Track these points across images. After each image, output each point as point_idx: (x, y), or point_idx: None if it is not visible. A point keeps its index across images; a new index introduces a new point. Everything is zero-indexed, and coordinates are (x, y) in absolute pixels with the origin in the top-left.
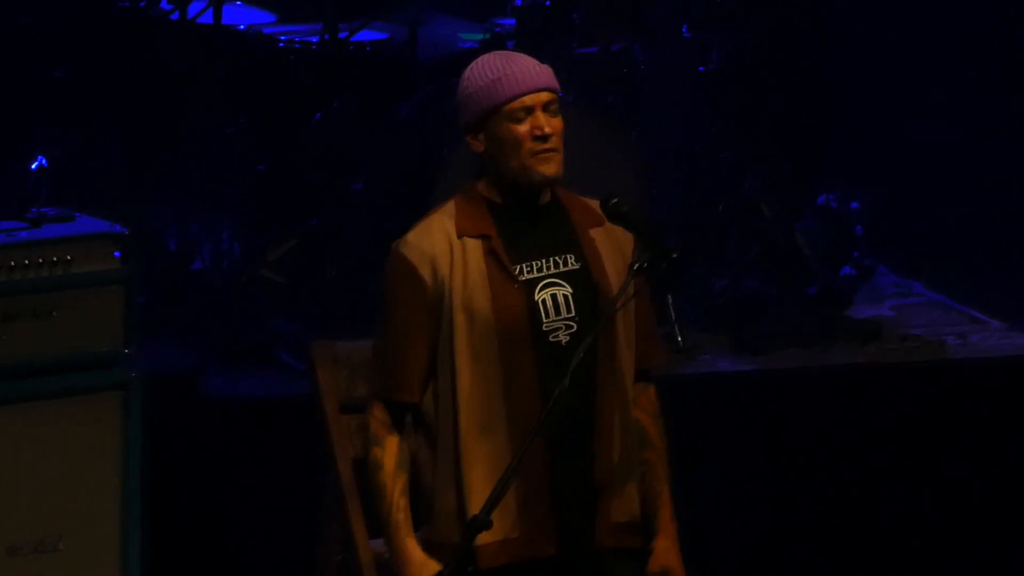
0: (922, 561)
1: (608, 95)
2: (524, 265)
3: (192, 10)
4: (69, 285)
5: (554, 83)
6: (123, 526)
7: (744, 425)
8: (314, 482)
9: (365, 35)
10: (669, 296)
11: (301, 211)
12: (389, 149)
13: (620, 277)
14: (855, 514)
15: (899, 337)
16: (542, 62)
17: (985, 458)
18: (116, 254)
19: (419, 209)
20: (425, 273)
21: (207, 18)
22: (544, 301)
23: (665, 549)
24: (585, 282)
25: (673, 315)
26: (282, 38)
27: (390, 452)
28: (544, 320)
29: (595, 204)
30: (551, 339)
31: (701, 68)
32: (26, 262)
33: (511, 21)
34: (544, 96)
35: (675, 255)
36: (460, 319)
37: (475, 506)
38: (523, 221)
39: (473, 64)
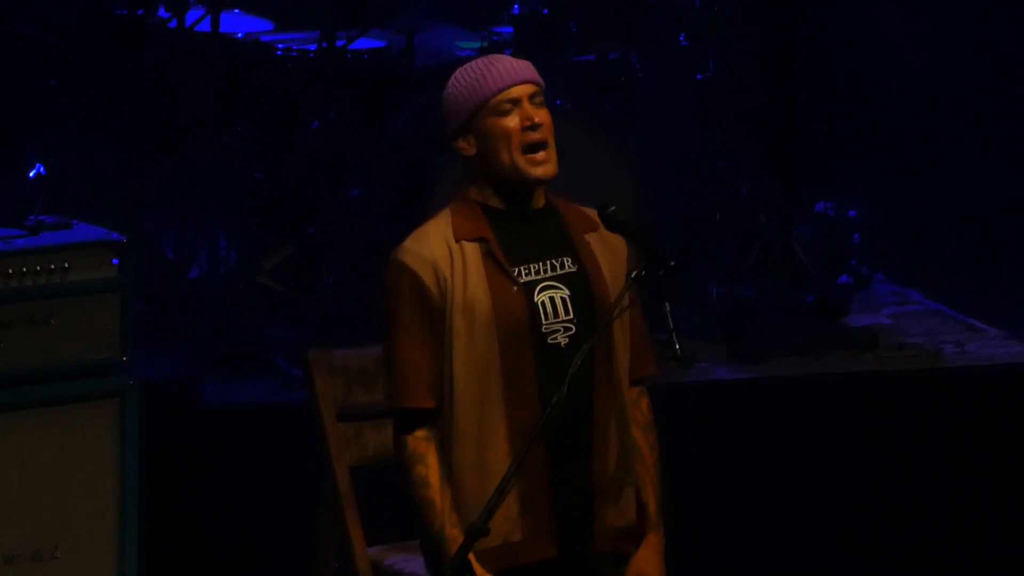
0: (920, 568)
1: (605, 103)
2: (522, 267)
3: (190, 18)
4: (66, 293)
5: (536, 76)
6: (120, 533)
7: (741, 433)
8: (311, 490)
9: (362, 43)
10: (666, 304)
11: (298, 219)
12: (386, 157)
13: (616, 280)
14: (853, 521)
15: (896, 345)
16: (537, 69)
17: (983, 466)
18: (114, 262)
19: (416, 217)
20: (428, 278)
21: (205, 26)
22: (543, 303)
23: (644, 558)
24: (582, 285)
25: (670, 323)
26: (280, 46)
27: (433, 468)
28: (544, 322)
29: (589, 211)
30: (550, 341)
31: (698, 76)
32: (23, 270)
33: (508, 29)
34: (528, 88)
35: (673, 263)
36: (459, 321)
37: (470, 510)
38: (518, 224)
39: (454, 73)
